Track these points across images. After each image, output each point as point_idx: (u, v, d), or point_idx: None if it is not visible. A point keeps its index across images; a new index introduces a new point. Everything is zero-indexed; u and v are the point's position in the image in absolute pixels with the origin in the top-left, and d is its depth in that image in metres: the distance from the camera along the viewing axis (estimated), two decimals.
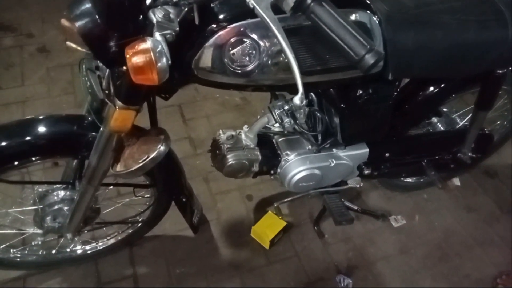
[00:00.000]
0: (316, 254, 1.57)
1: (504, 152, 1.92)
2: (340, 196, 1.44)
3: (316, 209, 1.65)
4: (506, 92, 1.51)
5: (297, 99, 0.75)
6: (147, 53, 0.69)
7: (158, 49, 0.70)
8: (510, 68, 1.18)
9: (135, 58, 0.69)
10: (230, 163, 1.21)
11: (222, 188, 1.74)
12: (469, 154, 1.47)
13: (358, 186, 1.38)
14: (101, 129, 0.91)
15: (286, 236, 1.60)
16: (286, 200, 1.51)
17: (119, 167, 0.92)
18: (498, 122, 1.69)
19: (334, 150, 1.29)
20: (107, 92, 0.85)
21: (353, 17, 0.98)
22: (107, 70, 0.84)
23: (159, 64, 0.70)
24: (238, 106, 2.10)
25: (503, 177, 1.91)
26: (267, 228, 1.56)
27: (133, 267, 1.46)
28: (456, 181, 1.85)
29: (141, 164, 0.89)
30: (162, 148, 0.90)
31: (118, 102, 0.83)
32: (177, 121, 1.99)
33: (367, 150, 1.31)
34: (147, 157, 0.89)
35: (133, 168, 0.89)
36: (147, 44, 0.69)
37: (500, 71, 1.18)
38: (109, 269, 1.44)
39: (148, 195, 1.29)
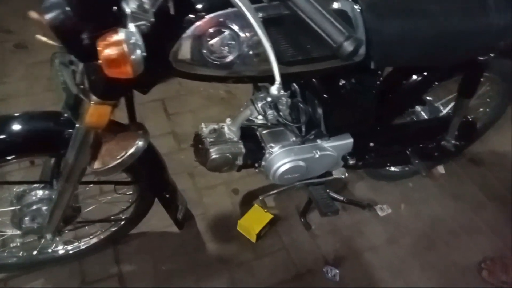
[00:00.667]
0: (304, 246, 1.57)
1: (489, 138, 1.94)
2: (326, 187, 1.43)
3: (303, 201, 1.65)
4: (488, 79, 1.51)
5: (274, 89, 0.73)
6: (119, 45, 0.66)
7: (132, 41, 0.67)
8: (492, 55, 1.17)
9: (108, 50, 0.66)
10: (213, 157, 1.19)
11: (208, 183, 1.72)
12: (453, 141, 1.48)
13: (343, 176, 1.37)
14: (76, 125, 0.88)
15: (273, 229, 1.59)
16: (271, 193, 1.49)
17: (96, 164, 0.89)
18: (481, 109, 1.70)
19: (319, 141, 1.28)
20: (82, 87, 0.82)
21: (335, 5, 0.96)
22: (81, 64, 0.80)
23: (133, 57, 0.68)
24: (223, 100, 2.07)
25: (488, 163, 1.93)
26: (253, 222, 1.55)
27: (118, 266, 1.43)
28: (441, 169, 1.86)
29: (119, 161, 0.86)
30: (140, 143, 0.88)
31: (94, 97, 0.81)
32: (160, 116, 1.96)
33: (351, 140, 1.30)
34: (125, 153, 0.86)
35: (111, 165, 0.87)
36: (120, 35, 0.67)
37: (482, 59, 1.18)
38: (94, 268, 1.41)
39: (131, 192, 1.27)
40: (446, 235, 1.65)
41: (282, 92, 0.72)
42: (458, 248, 1.62)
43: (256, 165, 1.29)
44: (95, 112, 0.81)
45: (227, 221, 1.61)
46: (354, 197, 1.71)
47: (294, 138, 1.26)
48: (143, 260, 1.46)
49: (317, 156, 1.26)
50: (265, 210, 1.56)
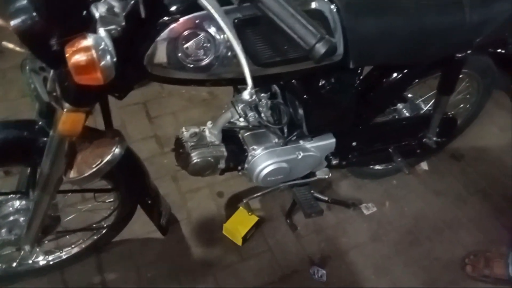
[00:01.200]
0: (290, 247, 1.56)
1: (469, 134, 1.96)
2: (310, 188, 1.43)
3: (288, 202, 1.64)
4: (467, 75, 1.53)
5: (246, 94, 0.72)
6: (88, 51, 0.64)
7: (101, 46, 0.65)
8: (469, 52, 1.18)
9: (76, 56, 0.64)
10: (194, 161, 1.17)
11: (191, 186, 1.70)
12: (434, 138, 1.49)
13: (326, 176, 1.37)
14: (50, 134, 0.86)
15: (258, 231, 1.58)
16: (255, 195, 1.48)
17: (72, 174, 0.87)
18: (461, 106, 1.72)
19: (301, 142, 1.28)
20: (54, 94, 0.80)
21: (312, 5, 0.96)
22: (52, 70, 0.78)
23: (102, 62, 0.66)
24: (205, 101, 2.05)
25: (469, 159, 1.95)
26: (239, 225, 1.54)
27: (101, 274, 1.40)
28: (424, 165, 1.88)
29: (94, 169, 0.84)
30: (117, 150, 0.86)
31: (66, 105, 0.78)
32: (142, 120, 1.93)
33: (333, 140, 1.30)
34: (101, 161, 0.84)
35: (86, 174, 0.85)
36: (88, 41, 0.65)
37: (460, 55, 1.19)
38: (76, 277, 1.38)
39: (111, 200, 1.24)
40: (429, 231, 1.67)
41: (254, 97, 0.71)
42: (442, 244, 1.63)
43: (239, 168, 1.28)
44: (68, 119, 0.79)
45: (212, 225, 1.59)
46: (339, 197, 1.72)
47: (276, 140, 1.26)
48: (126, 268, 1.43)
49: (300, 157, 1.25)
50: (250, 213, 1.55)
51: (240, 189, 1.70)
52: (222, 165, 1.23)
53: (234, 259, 1.50)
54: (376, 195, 1.76)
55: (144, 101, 2.00)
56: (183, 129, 1.20)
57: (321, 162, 1.34)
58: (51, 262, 1.30)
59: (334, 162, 1.35)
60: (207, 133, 1.21)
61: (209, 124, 1.22)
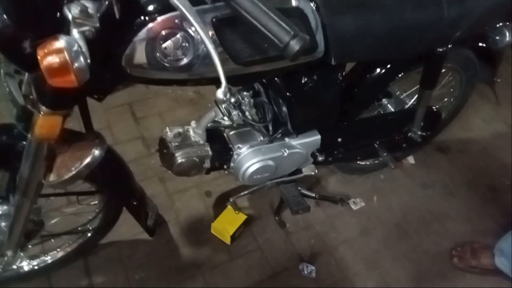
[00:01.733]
0: (279, 245, 1.56)
1: (455, 127, 1.98)
2: (297, 185, 1.43)
3: (276, 200, 1.64)
4: (450, 69, 1.54)
5: (220, 93, 0.71)
6: (60, 53, 0.63)
7: (74, 48, 0.64)
8: (449, 46, 1.19)
9: (48, 59, 0.63)
10: (179, 161, 1.17)
11: (179, 187, 1.69)
12: (419, 132, 1.50)
13: (313, 173, 1.37)
14: (28, 137, 0.85)
15: (247, 229, 1.58)
16: (242, 194, 1.48)
17: (52, 177, 0.85)
18: (445, 99, 1.73)
19: (286, 139, 1.28)
20: (31, 97, 0.78)
21: (293, 3, 0.95)
22: (27, 73, 0.77)
23: (76, 65, 0.65)
24: (192, 101, 2.04)
25: (455, 151, 1.97)
26: (227, 223, 1.54)
27: (88, 278, 1.39)
28: (411, 159, 1.89)
29: (74, 172, 0.83)
30: (96, 152, 0.85)
31: (43, 108, 0.77)
32: (128, 121, 1.92)
33: (319, 137, 1.30)
34: (81, 164, 0.83)
35: (66, 177, 0.83)
36: (60, 42, 0.63)
37: (440, 50, 1.20)
38: (64, 282, 1.37)
39: (96, 202, 1.23)
40: (417, 224, 1.68)
41: (228, 96, 0.71)
42: (430, 236, 1.64)
43: (225, 167, 1.27)
44: (45, 123, 0.78)
45: (200, 224, 1.59)
46: (327, 193, 1.72)
47: (261, 138, 1.26)
48: (114, 270, 1.42)
49: (285, 154, 1.25)
50: (237, 212, 1.55)
51: (228, 188, 1.70)
52: (207, 164, 1.23)
53: (223, 258, 1.50)
54: (364, 190, 1.77)
55: (129, 102, 1.98)
56: (167, 129, 1.19)
57: (307, 159, 1.34)
58: (36, 267, 1.29)
59: (320, 158, 1.35)
60: (191, 132, 1.20)
61: (193, 123, 1.21)
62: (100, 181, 1.12)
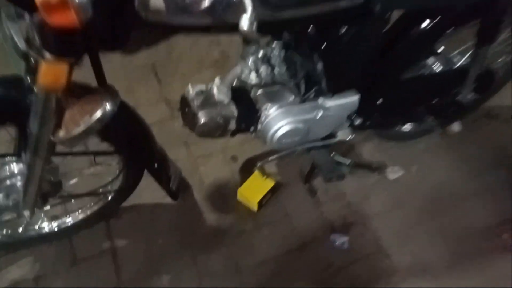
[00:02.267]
0: (308, 214, 1.47)
1: (506, 91, 1.78)
2: (330, 150, 1.31)
3: (307, 165, 1.53)
4: (509, 23, 1.35)
5: (244, 22, 0.59)
6: None
7: None
8: None
9: None
10: (202, 122, 1.07)
11: (204, 151, 1.61)
12: (469, 96, 1.33)
13: (348, 138, 1.25)
14: (35, 90, 0.77)
15: (275, 197, 1.49)
16: (270, 159, 1.38)
17: (61, 133, 0.78)
18: (500, 59, 1.54)
19: (320, 100, 1.15)
20: (33, 43, 0.70)
21: None
22: (28, 15, 0.68)
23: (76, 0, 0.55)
24: (217, 62, 1.93)
25: (505, 119, 1.78)
26: (254, 190, 1.45)
27: (111, 241, 1.35)
28: (456, 126, 1.71)
29: (83, 128, 0.75)
30: (108, 106, 0.76)
31: (47, 54, 0.68)
32: (151, 82, 1.83)
33: (357, 97, 1.17)
34: (90, 118, 0.75)
35: (74, 133, 0.76)
36: None
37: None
38: (85, 244, 1.33)
39: (113, 164, 1.16)
40: (457, 198, 1.54)
41: (254, 27, 0.59)
42: (472, 211, 1.50)
43: (252, 129, 1.17)
44: (49, 71, 0.69)
45: (226, 190, 1.51)
46: (362, 160, 1.60)
47: (292, 98, 1.14)
48: (136, 235, 1.38)
49: (318, 116, 1.13)
50: (265, 177, 1.46)
51: (255, 153, 1.60)
52: (232, 126, 1.13)
53: (249, 226, 1.43)
54: (402, 159, 1.63)
55: (152, 62, 1.89)
56: (189, 86, 1.09)
57: (342, 122, 1.22)
58: (56, 228, 1.26)
59: (357, 122, 1.22)
60: (215, 91, 1.10)
61: (217, 80, 1.11)
62: (117, 140, 1.04)
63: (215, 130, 1.11)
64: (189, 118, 1.11)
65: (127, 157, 1.12)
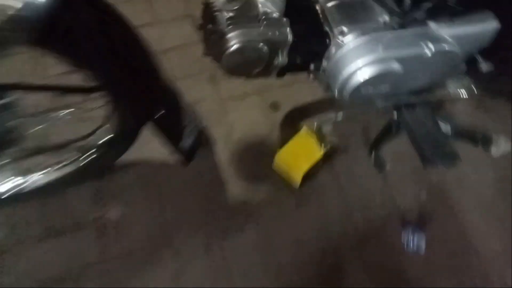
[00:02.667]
0: (372, 196, 1.05)
1: None
2: (432, 110, 0.86)
3: (374, 125, 1.09)
4: None
5: None
6: None
7: None
8: None
9: None
10: (234, 47, 0.65)
11: (236, 91, 1.19)
12: None
13: (465, 96, 0.79)
14: None
15: (326, 166, 1.08)
16: (328, 117, 0.95)
17: None
18: None
19: (432, 24, 0.69)
20: None
21: None
22: None
23: None
24: None
25: None
26: (298, 156, 1.03)
27: (102, 208, 1.00)
28: None
29: None
30: None
31: None
32: None
33: (495, 25, 0.69)
34: None
35: None
36: None
37: None
38: (75, 202, 0.99)
39: (99, 107, 0.77)
40: None
41: None
42: None
43: (312, 67, 0.73)
44: None
45: (260, 150, 1.10)
46: (461, 127, 1.11)
47: (386, 18, 0.68)
48: (136, 201, 1.01)
49: (429, 52, 0.67)
50: (315, 138, 1.03)
51: (304, 101, 1.17)
52: (282, 58, 0.69)
53: (288, 206, 1.03)
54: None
55: None
56: None
57: (459, 66, 0.75)
58: (25, 187, 0.90)
59: (484, 67, 0.75)
60: None
61: None
62: (97, 67, 0.63)
63: (254, 63, 0.69)
64: (213, 41, 0.68)
65: (114, 94, 0.72)
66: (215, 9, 0.66)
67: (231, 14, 0.65)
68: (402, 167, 1.08)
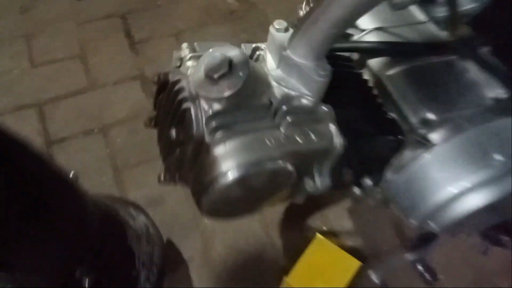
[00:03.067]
0: None
1: None
2: None
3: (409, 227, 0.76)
4: None
5: None
6: None
7: None
8: None
9: None
10: (229, 179, 0.30)
11: None
12: None
13: None
14: None
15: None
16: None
17: None
18: None
19: None
20: None
21: None
22: None
23: None
24: (232, 15, 1.13)
25: None
26: (325, 272, 0.68)
27: None
28: None
29: None
30: None
31: None
32: (120, 44, 1.04)
33: None
34: None
35: None
36: None
37: None
38: None
39: None
40: None
41: None
42: None
43: (367, 181, 0.40)
44: None
45: (256, 267, 0.74)
46: None
47: (491, 98, 0.37)
48: None
49: None
50: (337, 251, 0.69)
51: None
52: (321, 178, 0.36)
53: None
54: None
55: (122, 13, 1.08)
56: (184, 47, 0.31)
57: None
58: None
59: None
60: (267, 58, 0.32)
61: (276, 24, 0.33)
62: None
63: (262, 197, 0.34)
64: (184, 164, 0.33)
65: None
66: (182, 95, 0.32)
67: (217, 106, 0.31)
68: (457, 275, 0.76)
